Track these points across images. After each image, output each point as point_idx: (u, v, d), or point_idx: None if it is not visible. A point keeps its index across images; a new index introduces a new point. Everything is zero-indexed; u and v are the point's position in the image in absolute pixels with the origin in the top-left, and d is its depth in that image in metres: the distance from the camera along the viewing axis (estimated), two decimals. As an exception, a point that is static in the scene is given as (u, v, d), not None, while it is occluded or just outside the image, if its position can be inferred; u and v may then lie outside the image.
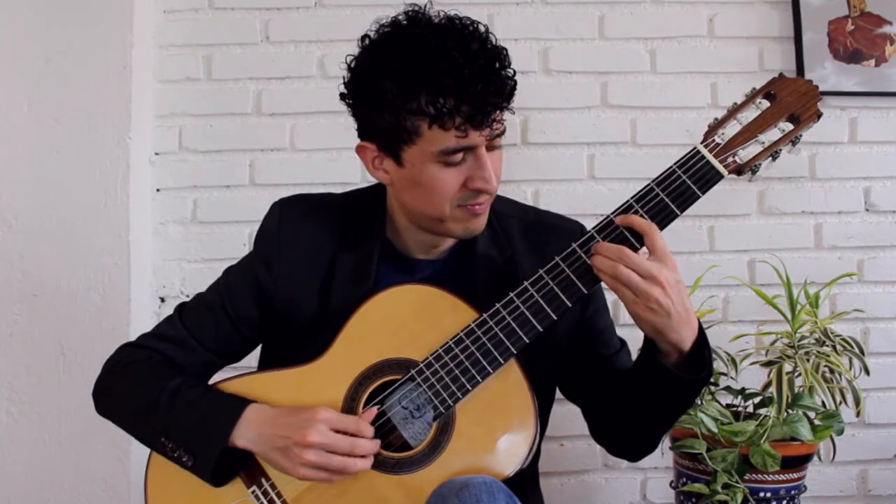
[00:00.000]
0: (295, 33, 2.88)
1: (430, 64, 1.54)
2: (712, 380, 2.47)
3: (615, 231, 1.58)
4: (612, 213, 1.59)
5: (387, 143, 1.64)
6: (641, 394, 1.66)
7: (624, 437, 1.79)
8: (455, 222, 1.67)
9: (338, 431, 1.57)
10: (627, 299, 1.54)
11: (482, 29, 1.61)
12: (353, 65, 1.67)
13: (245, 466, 1.65)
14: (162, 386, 1.68)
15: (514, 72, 1.61)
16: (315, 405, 1.61)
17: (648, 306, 1.52)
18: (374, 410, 1.61)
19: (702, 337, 1.59)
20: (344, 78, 1.69)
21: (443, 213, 1.65)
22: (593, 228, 1.60)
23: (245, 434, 1.61)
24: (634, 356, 1.75)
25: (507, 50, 1.61)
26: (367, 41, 1.65)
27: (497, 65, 1.58)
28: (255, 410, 1.63)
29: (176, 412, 1.65)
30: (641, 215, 1.57)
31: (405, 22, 1.62)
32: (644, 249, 1.57)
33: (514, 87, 1.61)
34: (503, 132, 1.64)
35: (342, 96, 1.70)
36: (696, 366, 1.58)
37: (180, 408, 1.66)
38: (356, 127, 1.71)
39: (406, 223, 1.76)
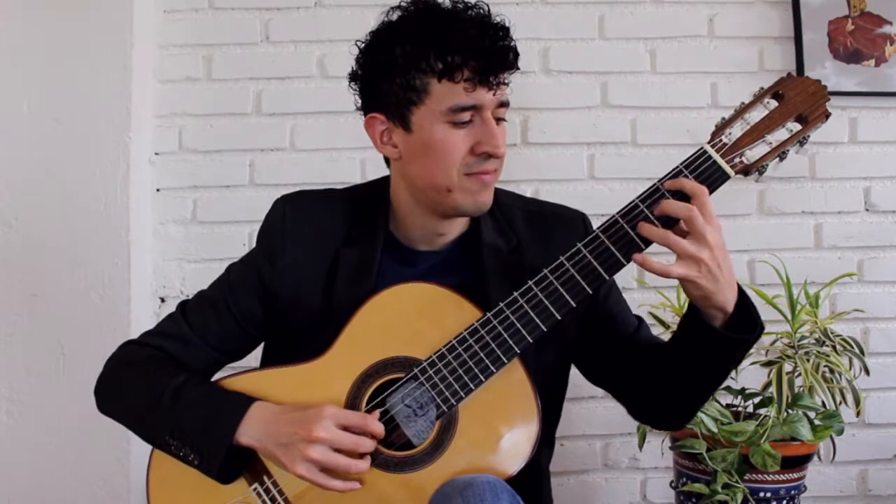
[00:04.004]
0: (295, 33, 2.88)
1: (439, 24, 1.62)
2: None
3: (638, 216, 1.56)
4: (617, 213, 1.58)
5: (396, 108, 1.67)
6: (689, 360, 1.65)
7: (664, 406, 1.78)
8: (463, 193, 1.67)
9: (344, 428, 1.57)
10: (680, 269, 1.52)
11: (485, 7, 1.67)
12: (363, 46, 1.72)
13: (249, 463, 1.65)
14: (165, 383, 1.68)
15: (515, 42, 1.68)
16: (321, 402, 1.61)
17: (698, 270, 1.51)
18: (377, 413, 1.61)
19: (743, 297, 1.59)
20: (356, 59, 1.73)
21: (451, 181, 1.66)
22: (597, 229, 1.59)
23: (249, 431, 1.61)
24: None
25: (507, 26, 1.67)
26: (376, 28, 1.71)
27: (502, 33, 1.64)
28: (259, 408, 1.63)
29: (179, 410, 1.65)
30: (647, 215, 1.56)
31: (411, 5, 1.69)
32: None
33: (517, 55, 1.67)
34: (507, 103, 1.68)
35: (351, 77, 1.74)
36: (742, 325, 1.58)
37: (184, 405, 1.65)
38: (363, 105, 1.75)
39: (411, 209, 1.76)
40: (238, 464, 1.65)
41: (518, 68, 1.69)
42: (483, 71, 1.61)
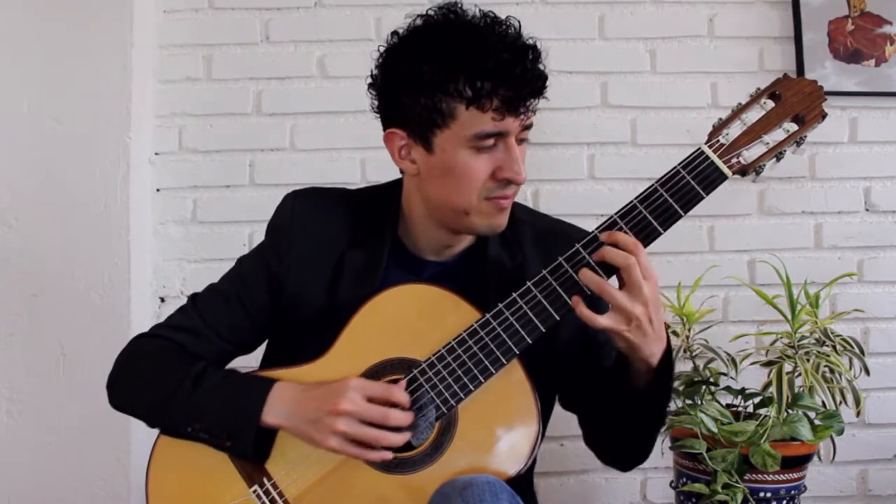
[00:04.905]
0: (295, 33, 2.88)
1: (470, 47, 1.58)
2: (711, 379, 2.48)
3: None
4: (615, 214, 1.59)
5: (418, 128, 1.64)
6: (615, 407, 1.67)
7: (612, 445, 1.80)
8: (480, 216, 1.67)
9: (371, 400, 1.57)
10: (607, 321, 1.54)
11: (516, 24, 1.64)
12: (385, 53, 1.69)
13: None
14: (184, 372, 1.68)
15: (545, 66, 1.64)
16: (344, 377, 1.60)
17: (628, 324, 1.53)
18: (404, 382, 1.61)
19: (668, 352, 1.60)
20: (375, 63, 1.70)
21: (469, 204, 1.65)
22: (596, 229, 1.60)
23: (274, 411, 1.61)
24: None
25: (538, 47, 1.63)
26: (400, 32, 1.67)
27: (532, 55, 1.60)
28: (282, 387, 1.63)
29: (202, 396, 1.65)
30: (645, 216, 1.57)
31: (439, 15, 1.65)
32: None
33: (546, 78, 1.63)
34: (531, 125, 1.66)
35: (370, 85, 1.71)
36: (663, 381, 1.60)
37: (206, 390, 1.65)
38: (382, 117, 1.72)
39: (422, 220, 1.75)
40: (269, 442, 1.65)
41: (547, 98, 1.66)
42: (512, 100, 1.58)
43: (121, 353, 1.80)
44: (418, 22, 1.66)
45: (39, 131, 2.67)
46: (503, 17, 1.64)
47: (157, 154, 2.85)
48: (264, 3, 2.87)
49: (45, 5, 2.68)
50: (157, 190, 2.85)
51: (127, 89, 2.68)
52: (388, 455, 1.58)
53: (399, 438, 1.57)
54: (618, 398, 1.66)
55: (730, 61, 2.89)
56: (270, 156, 2.87)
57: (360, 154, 2.84)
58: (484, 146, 1.61)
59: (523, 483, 1.75)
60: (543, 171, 2.87)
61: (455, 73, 1.57)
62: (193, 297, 1.85)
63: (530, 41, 1.62)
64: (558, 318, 1.59)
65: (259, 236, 1.87)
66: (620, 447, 1.78)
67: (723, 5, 2.90)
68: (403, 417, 1.58)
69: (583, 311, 1.56)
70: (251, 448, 1.62)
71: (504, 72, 1.57)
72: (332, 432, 1.56)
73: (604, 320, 1.54)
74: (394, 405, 1.58)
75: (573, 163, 2.88)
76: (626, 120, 2.89)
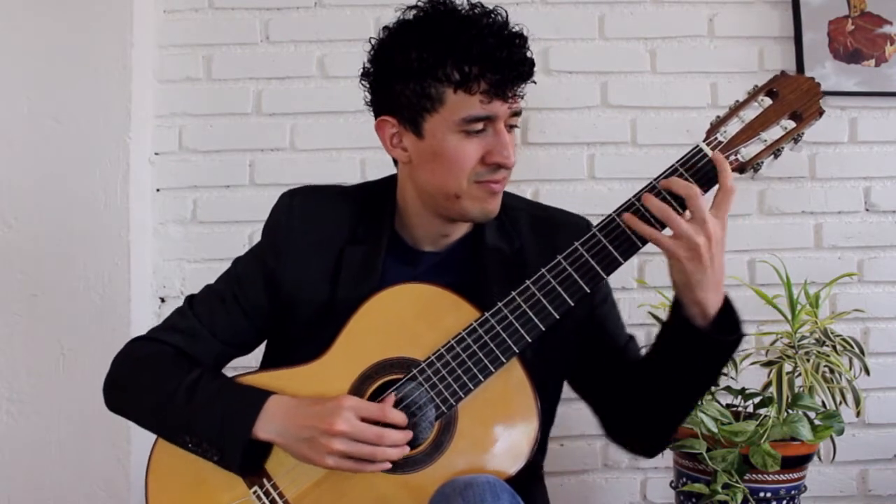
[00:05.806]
0: (295, 33, 2.88)
1: (457, 33, 1.60)
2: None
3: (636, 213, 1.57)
4: (613, 212, 1.59)
5: (408, 114, 1.66)
6: (668, 365, 1.63)
7: (642, 427, 1.76)
8: (472, 200, 1.67)
9: (364, 419, 1.57)
10: (670, 242, 1.53)
11: (503, 13, 1.66)
12: (376, 44, 1.71)
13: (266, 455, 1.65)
14: (178, 380, 1.67)
15: (532, 53, 1.66)
16: (339, 394, 1.61)
17: (688, 251, 1.51)
18: (393, 396, 1.61)
19: (728, 303, 1.59)
20: (367, 56, 1.72)
21: (460, 188, 1.66)
22: (597, 226, 1.60)
23: (267, 426, 1.61)
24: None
25: (525, 34, 1.65)
26: (390, 26, 1.69)
27: (518, 41, 1.63)
28: (275, 402, 1.62)
29: (195, 408, 1.64)
30: (644, 212, 1.56)
31: (428, 6, 1.67)
32: (687, 213, 1.55)
33: (533, 64, 1.66)
34: (520, 112, 1.68)
35: (363, 76, 1.73)
36: (724, 330, 1.57)
37: (199, 403, 1.65)
38: (374, 107, 1.74)
39: (417, 210, 1.76)
40: (257, 456, 1.64)
41: (535, 82, 1.68)
42: (499, 84, 1.60)
43: (116, 357, 1.80)
44: (408, 14, 1.68)
45: (39, 131, 2.67)
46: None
47: (157, 154, 2.85)
48: (264, 3, 2.87)
49: (45, 5, 2.68)
50: (157, 190, 2.85)
51: (127, 89, 2.69)
52: (387, 466, 1.57)
53: (396, 452, 1.57)
54: (671, 352, 1.62)
55: (730, 61, 2.89)
56: (270, 156, 2.87)
57: (359, 154, 2.84)
58: (473, 130, 1.63)
59: (532, 476, 1.76)
60: (543, 171, 2.87)
61: (442, 58, 1.60)
62: (190, 299, 1.84)
63: (516, 29, 1.64)
64: (558, 317, 1.59)
65: (259, 236, 1.87)
66: (654, 422, 1.74)
67: (723, 5, 2.90)
68: (399, 437, 1.57)
69: (641, 226, 1.55)
70: (237, 465, 1.62)
71: (490, 56, 1.59)
72: (328, 452, 1.55)
73: (665, 239, 1.52)
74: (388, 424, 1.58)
75: (573, 163, 2.88)
76: (626, 120, 2.89)
